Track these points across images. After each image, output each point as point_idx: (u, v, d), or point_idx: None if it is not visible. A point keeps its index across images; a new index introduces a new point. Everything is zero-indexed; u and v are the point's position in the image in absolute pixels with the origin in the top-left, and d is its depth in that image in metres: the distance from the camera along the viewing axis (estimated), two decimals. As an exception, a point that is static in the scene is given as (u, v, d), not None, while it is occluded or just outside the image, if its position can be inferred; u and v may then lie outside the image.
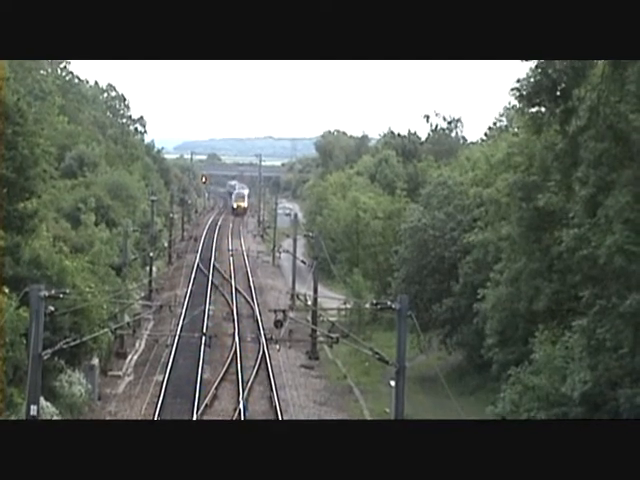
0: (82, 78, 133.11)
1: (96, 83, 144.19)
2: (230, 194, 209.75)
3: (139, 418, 48.11)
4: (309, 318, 69.31)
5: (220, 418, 48.46)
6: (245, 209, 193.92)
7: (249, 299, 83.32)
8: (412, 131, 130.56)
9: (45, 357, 31.79)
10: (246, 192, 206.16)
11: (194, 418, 47.12)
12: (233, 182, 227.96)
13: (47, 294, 31.33)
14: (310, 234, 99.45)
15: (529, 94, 33.58)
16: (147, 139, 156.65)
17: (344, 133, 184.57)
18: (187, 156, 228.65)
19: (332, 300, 75.78)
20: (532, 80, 33.10)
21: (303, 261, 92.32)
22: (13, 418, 37.84)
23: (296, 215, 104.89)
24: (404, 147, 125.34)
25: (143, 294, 77.25)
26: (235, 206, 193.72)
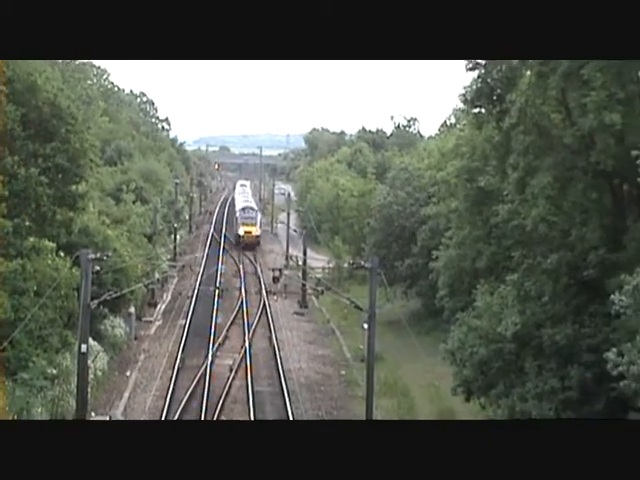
0: (120, 87, 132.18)
1: (131, 91, 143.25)
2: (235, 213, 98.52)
3: (166, 355, 48.08)
4: (300, 275, 69.39)
5: (230, 354, 48.52)
6: (258, 239, 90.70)
7: (253, 260, 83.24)
8: (380, 128, 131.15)
9: (93, 306, 31.81)
10: (251, 197, 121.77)
11: (210, 354, 47.12)
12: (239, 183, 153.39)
13: (94, 257, 31.26)
14: (300, 209, 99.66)
15: (472, 98, 33.41)
16: (171, 135, 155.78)
17: (327, 130, 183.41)
18: (203, 148, 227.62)
19: (318, 261, 76.04)
20: (474, 87, 32.98)
21: (295, 230, 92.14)
22: (68, 355, 37.94)
23: (289, 194, 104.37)
24: (374, 140, 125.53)
25: (169, 256, 77.06)
26: (242, 233, 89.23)
